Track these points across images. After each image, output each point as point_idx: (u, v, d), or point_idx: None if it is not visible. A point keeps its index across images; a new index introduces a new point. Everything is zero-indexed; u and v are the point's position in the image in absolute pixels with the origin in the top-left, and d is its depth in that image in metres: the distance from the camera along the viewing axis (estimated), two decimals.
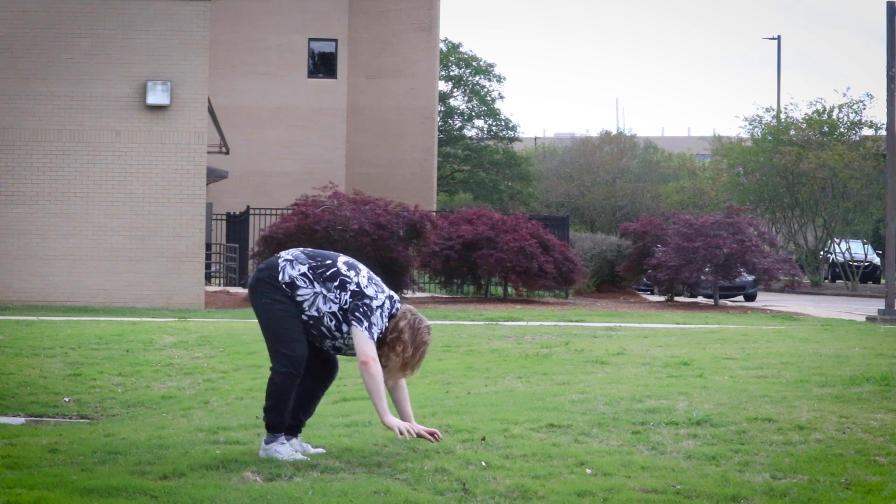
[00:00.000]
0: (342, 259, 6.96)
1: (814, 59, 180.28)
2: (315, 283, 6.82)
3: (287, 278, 6.85)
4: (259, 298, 6.91)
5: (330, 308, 6.81)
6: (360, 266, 6.99)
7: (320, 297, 6.81)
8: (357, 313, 6.75)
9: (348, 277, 6.84)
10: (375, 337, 6.76)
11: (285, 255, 7.02)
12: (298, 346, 6.80)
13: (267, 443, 6.84)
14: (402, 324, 6.85)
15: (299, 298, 6.83)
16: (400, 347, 6.81)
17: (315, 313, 6.82)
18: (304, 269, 6.86)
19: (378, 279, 7.02)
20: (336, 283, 6.82)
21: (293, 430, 6.97)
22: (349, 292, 6.80)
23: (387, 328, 6.84)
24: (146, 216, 21.68)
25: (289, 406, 6.84)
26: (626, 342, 14.41)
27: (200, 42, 21.98)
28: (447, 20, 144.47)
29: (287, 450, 6.79)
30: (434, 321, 18.60)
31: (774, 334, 15.90)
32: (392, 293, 6.99)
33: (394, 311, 6.90)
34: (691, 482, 6.32)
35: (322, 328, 6.84)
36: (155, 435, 7.83)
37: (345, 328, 6.81)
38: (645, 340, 14.74)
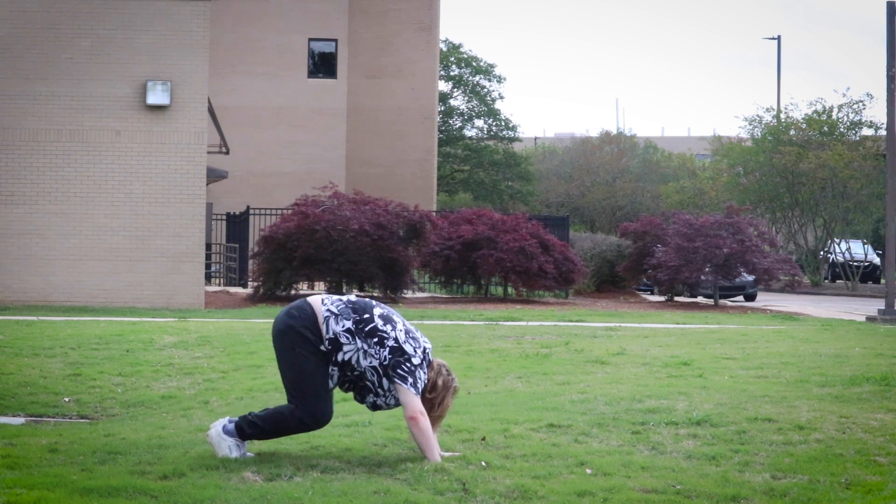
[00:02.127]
0: (377, 311, 6.84)
1: (814, 59, 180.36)
2: (356, 339, 6.73)
3: (331, 334, 6.73)
4: (292, 347, 6.75)
5: (370, 363, 6.74)
6: (396, 318, 6.88)
7: (361, 353, 6.74)
8: (399, 370, 6.71)
9: (385, 333, 6.75)
10: (420, 392, 6.75)
11: (327, 305, 6.81)
12: (326, 406, 6.79)
13: (227, 433, 6.82)
14: (439, 382, 6.86)
15: (343, 357, 6.74)
16: (427, 406, 6.84)
17: (360, 369, 6.78)
18: (348, 324, 6.74)
19: (415, 331, 6.93)
20: (375, 340, 6.73)
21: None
22: (388, 349, 6.73)
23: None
24: (146, 216, 21.67)
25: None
26: (626, 342, 14.41)
27: (200, 42, 21.97)
28: (447, 20, 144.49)
29: (238, 453, 6.82)
30: (434, 321, 18.64)
31: (774, 334, 15.90)
32: (426, 344, 6.93)
33: (428, 360, 6.90)
34: (691, 482, 6.33)
35: (367, 383, 6.81)
36: (155, 435, 7.83)
37: (386, 383, 6.77)
38: (645, 340, 14.74)
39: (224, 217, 33.13)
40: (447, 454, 6.84)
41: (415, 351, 6.79)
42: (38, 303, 21.10)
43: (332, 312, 6.77)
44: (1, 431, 8.47)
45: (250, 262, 26.24)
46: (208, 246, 28.16)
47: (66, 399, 11.36)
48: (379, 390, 6.81)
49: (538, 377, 11.04)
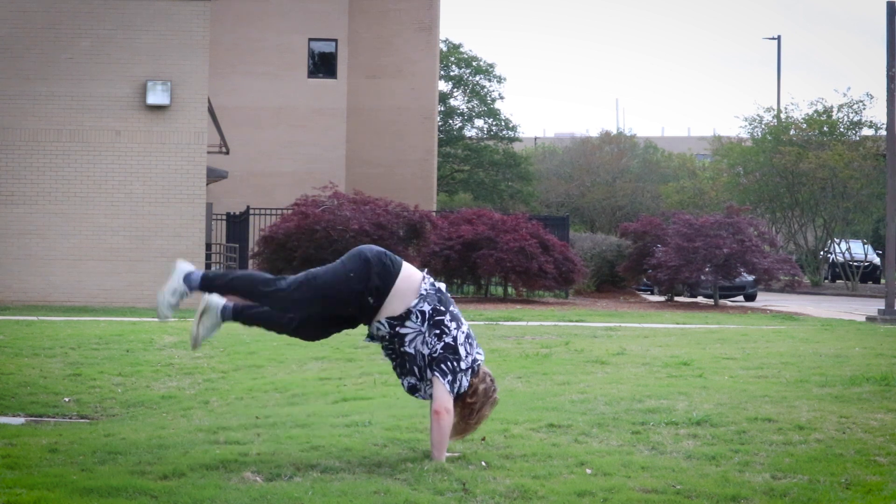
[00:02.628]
0: (452, 309, 6.86)
1: (814, 59, 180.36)
2: (424, 324, 6.74)
3: (411, 308, 6.74)
4: (352, 258, 6.80)
5: (423, 350, 6.76)
6: (463, 320, 6.92)
7: (420, 338, 6.75)
8: (443, 366, 6.73)
9: (448, 329, 6.77)
10: (455, 393, 6.77)
11: (426, 286, 6.76)
12: (305, 304, 6.79)
13: (186, 280, 6.92)
14: (480, 388, 6.88)
15: (401, 330, 6.73)
16: (467, 411, 6.87)
17: (412, 351, 6.77)
18: (426, 307, 6.74)
19: (474, 338, 6.95)
20: (437, 332, 6.75)
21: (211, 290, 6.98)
22: (443, 343, 6.75)
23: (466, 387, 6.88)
24: (146, 216, 21.67)
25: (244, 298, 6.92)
26: (626, 342, 14.40)
27: (200, 42, 21.97)
28: (447, 20, 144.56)
29: (173, 298, 6.89)
30: None
31: (774, 334, 15.90)
32: (480, 353, 6.96)
33: (474, 371, 6.91)
34: (691, 482, 6.32)
35: (415, 367, 6.80)
36: (155, 435, 7.83)
37: (428, 374, 6.79)
38: (645, 340, 14.74)
39: (224, 217, 33.14)
40: (447, 454, 6.84)
41: (466, 356, 6.82)
42: (38, 303, 21.10)
43: (427, 293, 6.76)
44: (1, 431, 8.47)
45: (250, 262, 26.23)
46: (208, 246, 28.16)
47: (66, 399, 11.35)
48: (421, 375, 6.82)
49: (538, 377, 11.04)
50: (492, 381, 6.97)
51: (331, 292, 6.76)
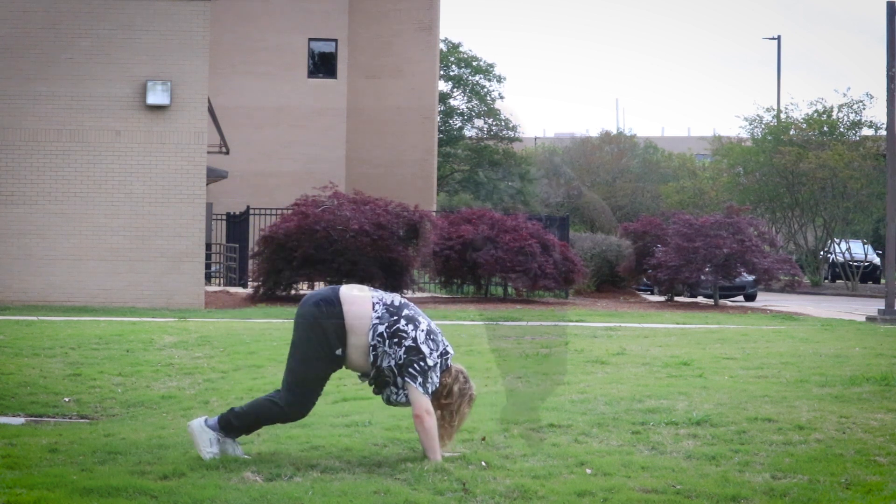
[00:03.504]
0: (405, 312, 6.88)
1: (814, 59, 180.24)
2: (385, 343, 6.79)
3: (375, 341, 6.80)
4: (304, 331, 6.86)
5: (388, 363, 6.81)
6: (421, 318, 6.91)
7: (385, 355, 6.80)
8: (411, 369, 6.76)
9: (405, 333, 6.78)
10: (429, 392, 6.79)
11: (378, 312, 6.82)
12: (309, 401, 6.87)
13: (210, 426, 6.91)
14: (455, 388, 6.90)
15: (379, 361, 6.83)
16: (446, 413, 6.89)
17: (385, 369, 6.84)
18: (382, 329, 6.79)
19: (437, 333, 6.95)
20: (395, 340, 6.79)
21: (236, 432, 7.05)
22: (404, 348, 6.78)
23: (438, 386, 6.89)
24: (146, 216, 21.66)
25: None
26: (626, 342, 14.40)
27: (200, 42, 21.97)
28: (447, 20, 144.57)
29: (216, 448, 6.87)
30: (434, 321, 18.60)
31: (774, 334, 15.90)
32: (447, 348, 6.95)
33: (444, 367, 6.92)
34: (691, 482, 6.33)
35: (386, 379, 6.87)
36: (155, 435, 7.84)
37: (400, 381, 6.83)
38: (645, 340, 14.74)
39: (224, 217, 33.14)
40: (447, 454, 6.84)
41: (431, 352, 6.82)
42: (38, 303, 21.09)
43: (380, 318, 6.82)
44: (1, 431, 8.47)
45: (250, 262, 26.23)
46: (208, 246, 28.16)
47: (66, 399, 11.35)
48: (392, 388, 6.88)
49: (538, 377, 11.04)
50: (465, 378, 6.97)
51: (312, 370, 6.83)
